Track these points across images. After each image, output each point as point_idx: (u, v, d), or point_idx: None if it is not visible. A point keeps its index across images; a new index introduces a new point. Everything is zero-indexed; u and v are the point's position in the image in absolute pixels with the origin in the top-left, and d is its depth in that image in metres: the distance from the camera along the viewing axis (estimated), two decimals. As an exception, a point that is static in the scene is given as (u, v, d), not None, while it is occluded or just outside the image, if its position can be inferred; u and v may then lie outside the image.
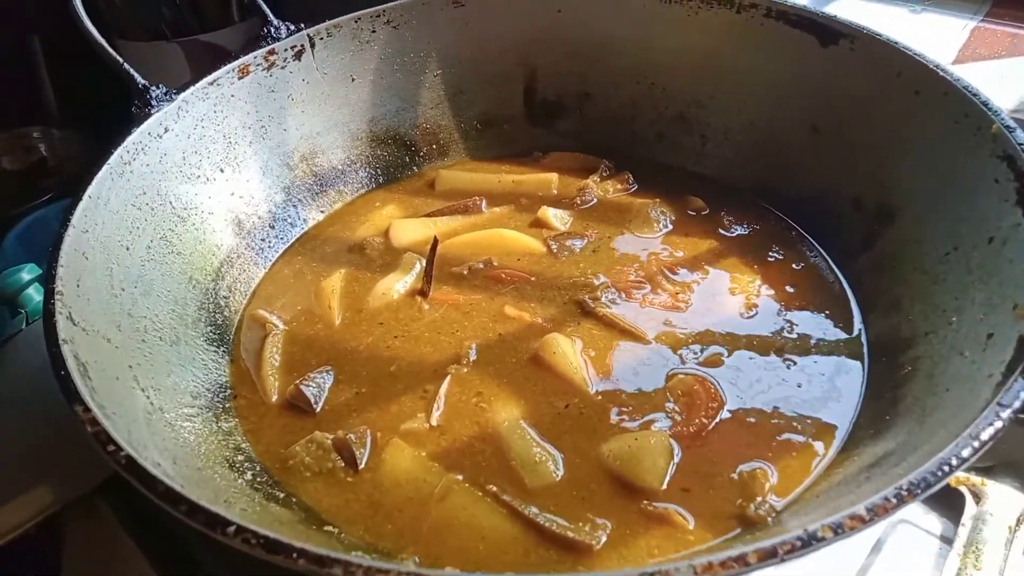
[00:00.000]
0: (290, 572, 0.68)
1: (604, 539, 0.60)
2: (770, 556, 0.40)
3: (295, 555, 0.43)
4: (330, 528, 0.63)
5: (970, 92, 0.71)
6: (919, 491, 0.43)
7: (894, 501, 0.43)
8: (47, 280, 0.63)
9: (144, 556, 0.73)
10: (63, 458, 0.75)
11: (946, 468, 0.44)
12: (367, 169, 1.04)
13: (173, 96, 0.83)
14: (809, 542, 0.41)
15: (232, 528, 0.45)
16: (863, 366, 0.74)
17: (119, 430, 0.52)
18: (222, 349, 0.81)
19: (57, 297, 0.62)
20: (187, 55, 1.32)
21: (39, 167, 1.41)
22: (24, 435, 0.76)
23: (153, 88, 0.82)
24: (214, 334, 0.81)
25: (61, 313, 0.61)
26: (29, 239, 1.17)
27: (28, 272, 0.96)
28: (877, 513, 0.42)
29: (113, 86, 1.22)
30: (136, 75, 0.82)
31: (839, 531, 0.41)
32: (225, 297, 0.86)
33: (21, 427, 0.77)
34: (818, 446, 0.67)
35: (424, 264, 0.88)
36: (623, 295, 0.83)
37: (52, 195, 1.24)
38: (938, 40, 0.97)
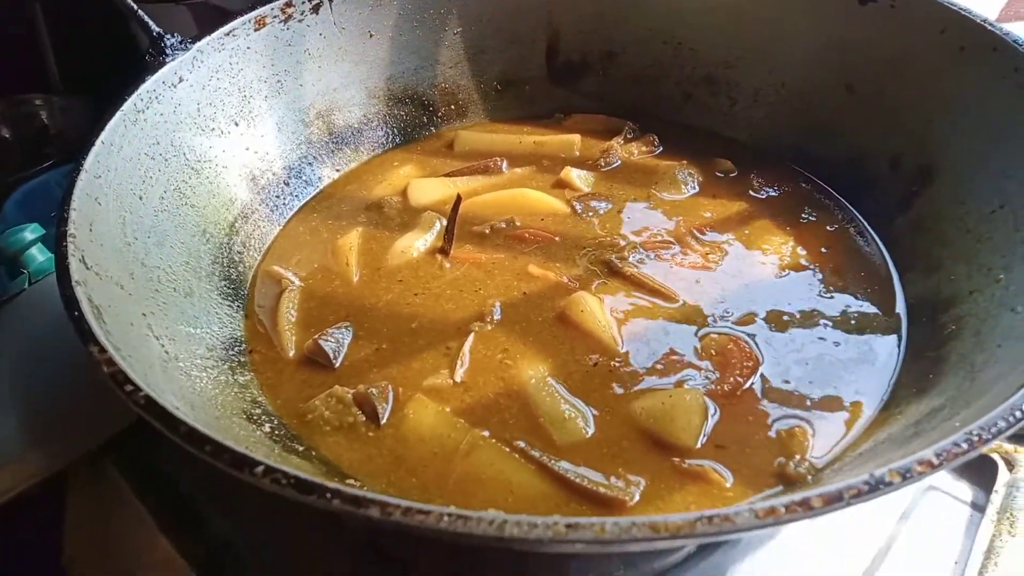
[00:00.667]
0: (304, 524, 0.67)
1: (638, 496, 0.58)
2: (835, 500, 0.38)
3: (329, 495, 0.40)
4: (352, 482, 0.61)
5: (1022, 46, 0.69)
6: (990, 436, 0.41)
7: (964, 446, 0.40)
8: (59, 223, 0.61)
9: (149, 514, 0.71)
10: (65, 418, 0.73)
11: (1017, 414, 0.42)
12: (384, 128, 1.02)
13: (188, 45, 0.80)
14: (876, 486, 0.39)
15: (260, 468, 0.42)
16: (902, 326, 0.72)
17: (136, 373, 0.50)
18: (236, 304, 0.79)
19: (70, 239, 0.60)
20: (195, 18, 1.28)
21: (40, 134, 1.37)
22: (25, 395, 0.74)
23: (168, 36, 0.79)
24: (228, 288, 0.79)
25: (74, 256, 0.59)
26: (29, 204, 1.14)
27: (31, 232, 0.93)
28: (947, 458, 0.40)
29: (116, 52, 1.19)
30: (151, 23, 0.79)
31: (907, 476, 0.39)
32: (239, 252, 0.83)
33: (22, 387, 0.75)
34: (857, 405, 0.65)
35: (445, 222, 0.85)
36: (652, 254, 0.80)
37: (53, 162, 1.21)
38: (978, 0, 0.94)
